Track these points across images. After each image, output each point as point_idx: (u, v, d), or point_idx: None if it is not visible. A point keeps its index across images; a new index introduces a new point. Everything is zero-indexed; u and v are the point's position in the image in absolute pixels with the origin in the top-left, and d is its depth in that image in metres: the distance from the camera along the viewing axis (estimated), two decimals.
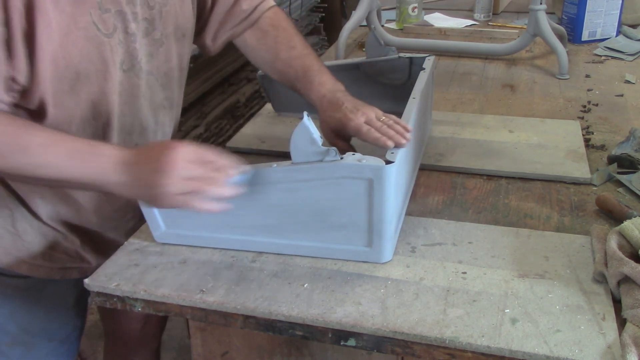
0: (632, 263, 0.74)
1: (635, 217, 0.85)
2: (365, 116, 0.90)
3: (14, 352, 1.01)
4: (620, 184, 1.03)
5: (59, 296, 1.03)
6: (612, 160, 1.09)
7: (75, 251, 0.99)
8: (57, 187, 0.88)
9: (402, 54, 1.18)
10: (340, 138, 0.94)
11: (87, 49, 0.81)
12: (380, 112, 0.91)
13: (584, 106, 1.38)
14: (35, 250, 0.95)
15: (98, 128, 0.88)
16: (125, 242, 0.90)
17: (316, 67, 1.01)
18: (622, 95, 1.45)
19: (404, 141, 0.85)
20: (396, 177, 0.79)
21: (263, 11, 1.06)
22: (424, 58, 1.15)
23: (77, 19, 0.80)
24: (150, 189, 0.74)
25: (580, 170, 1.06)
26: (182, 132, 2.01)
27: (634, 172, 1.04)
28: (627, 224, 0.82)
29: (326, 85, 0.97)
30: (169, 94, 0.99)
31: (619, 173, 1.05)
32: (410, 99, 0.98)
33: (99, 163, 0.75)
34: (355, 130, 0.90)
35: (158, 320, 1.33)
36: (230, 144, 1.23)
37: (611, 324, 0.71)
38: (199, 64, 2.01)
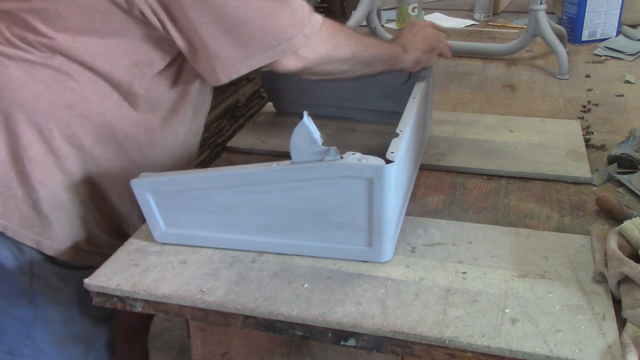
0: (632, 263, 0.74)
1: (635, 217, 0.85)
2: None
3: (78, 347, 1.02)
4: (620, 184, 1.03)
5: None
6: (612, 160, 1.09)
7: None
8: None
9: None
10: None
11: None
12: None
13: (584, 106, 1.38)
14: (100, 239, 1.00)
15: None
16: (125, 242, 0.90)
17: None
18: (622, 95, 1.45)
19: None
20: (396, 177, 0.79)
21: None
22: None
23: None
24: (423, 34, 1.10)
25: (580, 170, 1.06)
26: None
27: (634, 172, 1.04)
28: (627, 224, 0.82)
29: None
30: None
31: (619, 173, 1.05)
32: (411, 99, 0.98)
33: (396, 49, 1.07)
34: None
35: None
36: (230, 144, 1.23)
37: (611, 324, 0.71)
38: None
